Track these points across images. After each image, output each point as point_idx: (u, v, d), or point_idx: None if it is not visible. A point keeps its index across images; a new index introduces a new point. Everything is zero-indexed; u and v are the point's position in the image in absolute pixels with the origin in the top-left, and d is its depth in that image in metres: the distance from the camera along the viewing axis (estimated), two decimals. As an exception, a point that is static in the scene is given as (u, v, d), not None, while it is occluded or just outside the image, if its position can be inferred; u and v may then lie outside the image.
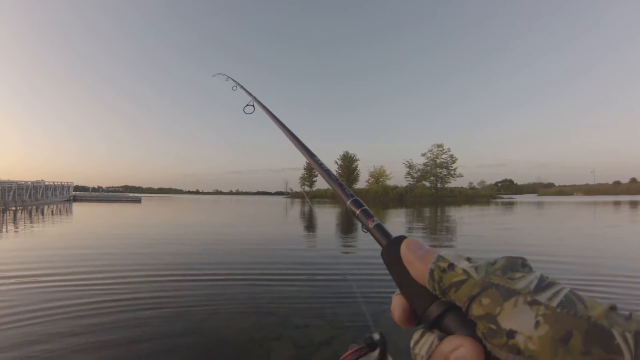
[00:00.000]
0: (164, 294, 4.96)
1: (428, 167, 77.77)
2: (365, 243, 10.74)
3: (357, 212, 0.45)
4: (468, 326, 0.27)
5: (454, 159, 75.86)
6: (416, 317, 0.32)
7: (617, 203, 44.41)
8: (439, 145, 76.98)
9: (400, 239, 0.35)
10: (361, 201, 0.47)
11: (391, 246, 0.35)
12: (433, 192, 74.79)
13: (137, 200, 47.88)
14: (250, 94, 1.31)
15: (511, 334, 0.22)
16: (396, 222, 18.90)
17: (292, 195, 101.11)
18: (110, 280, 5.55)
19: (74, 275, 5.85)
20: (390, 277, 0.34)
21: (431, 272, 0.28)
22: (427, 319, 0.30)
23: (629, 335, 0.20)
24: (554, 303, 0.23)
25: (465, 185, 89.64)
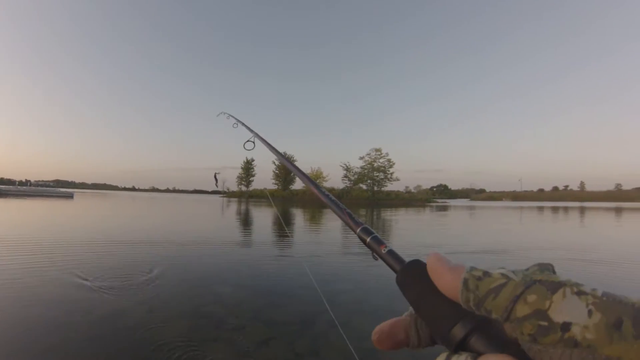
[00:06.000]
0: (93, 296, 4.66)
1: (365, 171, 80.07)
2: (299, 247, 10.85)
3: (368, 239, 0.44)
4: (497, 344, 0.25)
5: (391, 164, 79.00)
6: (408, 340, 0.31)
7: (540, 208, 49.24)
8: (377, 150, 79.69)
9: (418, 261, 0.34)
10: (370, 228, 0.46)
11: (409, 269, 0.34)
12: (369, 195, 77.16)
13: (69, 196, 44.57)
14: (252, 131, 1.31)
15: (566, 326, 0.21)
16: (332, 223, 19.27)
17: (228, 194, 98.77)
18: (34, 282, 5.14)
19: None
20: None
21: (465, 282, 0.27)
22: (452, 340, 0.27)
23: None
24: (599, 293, 0.22)
25: (402, 189, 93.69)
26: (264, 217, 22.61)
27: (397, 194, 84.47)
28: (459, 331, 0.27)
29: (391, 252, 0.39)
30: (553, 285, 0.24)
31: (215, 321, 3.94)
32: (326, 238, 12.53)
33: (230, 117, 1.80)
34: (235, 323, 3.90)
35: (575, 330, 0.21)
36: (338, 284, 5.68)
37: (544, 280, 0.24)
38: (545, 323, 0.22)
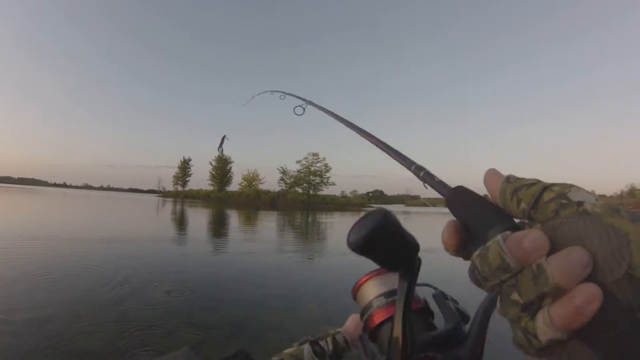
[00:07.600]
0: (13, 302, 4.34)
1: (302, 174, 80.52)
2: (232, 246, 10.72)
3: (421, 174, 0.51)
4: None
5: (328, 168, 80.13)
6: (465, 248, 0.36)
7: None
8: (315, 154, 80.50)
9: (462, 186, 0.40)
10: (423, 166, 0.53)
11: (457, 190, 0.40)
12: (305, 199, 77.68)
13: None
14: (301, 99, 1.40)
15: (580, 203, 0.28)
16: (268, 224, 19.22)
17: (164, 194, 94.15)
18: None
19: None
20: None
21: (508, 177, 0.35)
22: (490, 239, 0.32)
23: None
24: None
25: (338, 193, 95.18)
26: (197, 218, 22.02)
27: (332, 198, 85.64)
28: (495, 232, 0.31)
29: (440, 182, 0.47)
30: (567, 185, 0.30)
31: (145, 326, 3.85)
32: (260, 238, 12.48)
33: (275, 92, 1.87)
34: (165, 328, 3.84)
35: (587, 206, 0.27)
36: (270, 287, 5.74)
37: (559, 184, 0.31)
38: (565, 201, 0.28)
